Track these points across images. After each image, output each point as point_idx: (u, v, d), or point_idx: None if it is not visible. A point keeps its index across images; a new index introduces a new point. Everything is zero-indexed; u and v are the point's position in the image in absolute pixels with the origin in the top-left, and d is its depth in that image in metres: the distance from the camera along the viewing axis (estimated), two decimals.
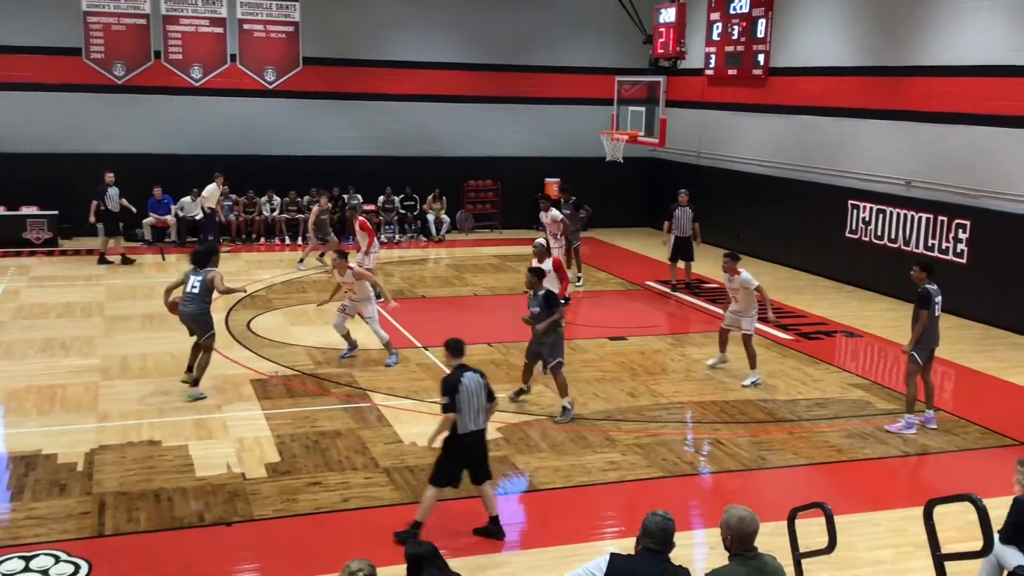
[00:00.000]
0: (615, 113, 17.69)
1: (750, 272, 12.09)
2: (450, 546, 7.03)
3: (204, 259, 10.99)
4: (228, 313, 14.66)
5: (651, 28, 17.30)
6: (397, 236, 21.92)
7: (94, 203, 18.13)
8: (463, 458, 7.63)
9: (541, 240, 14.08)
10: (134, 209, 19.09)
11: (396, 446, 9.56)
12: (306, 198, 21.40)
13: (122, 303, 15.32)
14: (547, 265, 12.67)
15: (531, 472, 9.04)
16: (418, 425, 10.13)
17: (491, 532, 7.74)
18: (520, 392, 11.03)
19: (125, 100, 20.89)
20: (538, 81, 23.24)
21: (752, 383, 11.72)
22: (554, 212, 16.27)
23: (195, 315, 10.84)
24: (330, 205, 19.44)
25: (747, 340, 11.89)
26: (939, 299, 10.27)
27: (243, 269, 18.28)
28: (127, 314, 14.59)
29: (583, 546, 7.52)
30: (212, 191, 19.82)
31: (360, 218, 16.16)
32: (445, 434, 7.58)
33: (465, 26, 22.72)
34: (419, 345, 13.22)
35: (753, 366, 11.87)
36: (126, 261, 18.43)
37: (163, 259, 18.90)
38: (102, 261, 18.30)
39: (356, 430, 9.94)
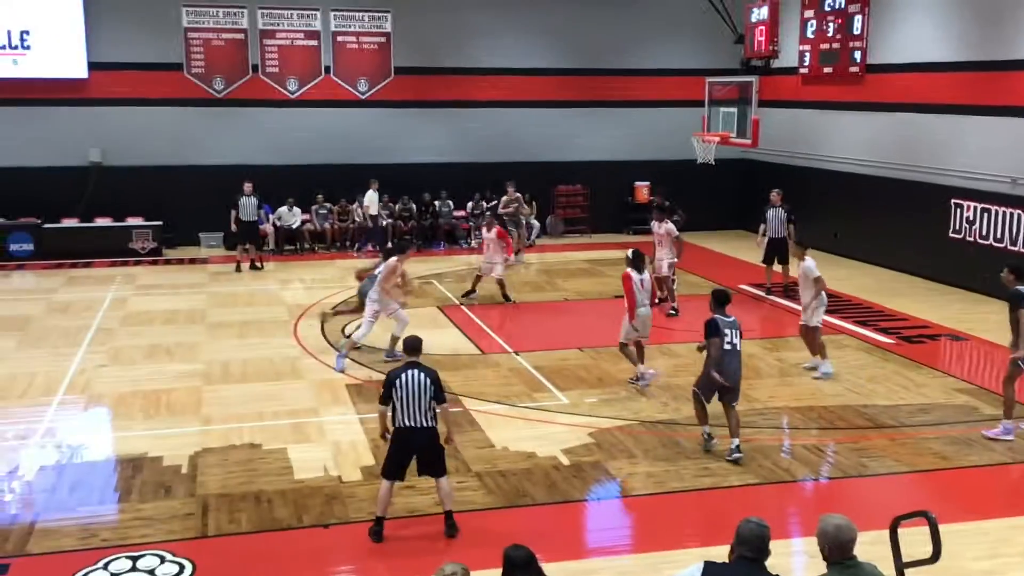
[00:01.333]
0: (706, 115, 17.48)
1: (816, 264, 12.16)
2: (542, 549, 7.03)
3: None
4: (323, 319, 14.95)
5: (743, 27, 17.05)
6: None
7: (232, 212, 18.82)
8: (403, 452, 7.75)
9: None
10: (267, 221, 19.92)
11: (488, 450, 9.62)
12: (398, 205, 21.73)
13: (223, 310, 15.77)
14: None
15: (623, 478, 8.98)
16: (509, 430, 10.19)
17: (454, 525, 7.82)
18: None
19: (224, 113, 21.55)
20: (627, 84, 23.13)
21: (819, 371, 11.92)
22: (669, 226, 15.42)
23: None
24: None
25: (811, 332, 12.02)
26: None
27: (338, 276, 18.62)
28: (228, 321, 15.02)
29: (676, 553, 7.44)
30: (372, 197, 20.79)
31: (497, 227, 16.28)
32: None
33: (552, 31, 22.75)
34: (510, 350, 13.27)
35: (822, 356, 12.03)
36: (254, 267, 19.03)
37: (261, 268, 19.37)
38: (238, 269, 18.96)
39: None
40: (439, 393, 7.76)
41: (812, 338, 12.15)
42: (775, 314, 15.68)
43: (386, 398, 7.77)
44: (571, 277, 18.56)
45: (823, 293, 12.04)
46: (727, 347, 9.31)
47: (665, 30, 23.10)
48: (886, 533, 6.20)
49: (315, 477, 8.95)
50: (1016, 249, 15.66)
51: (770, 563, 4.71)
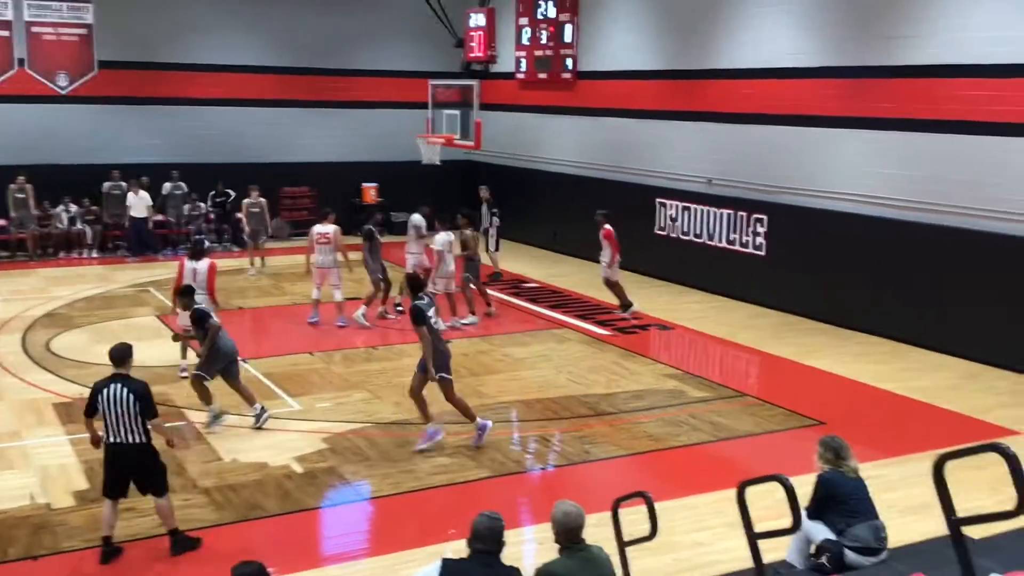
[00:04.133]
0: (430, 117, 17.73)
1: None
2: (278, 562, 6.85)
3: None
4: (25, 333, 13.74)
5: (463, 32, 17.46)
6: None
7: None
8: (115, 469, 7.41)
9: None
10: None
11: (215, 464, 9.22)
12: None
13: None
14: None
15: (359, 481, 8.92)
16: (238, 441, 9.83)
17: (177, 544, 7.47)
18: None
19: None
20: (351, 84, 23.00)
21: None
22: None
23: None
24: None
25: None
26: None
27: (40, 286, 17.17)
28: None
29: (416, 551, 7.49)
30: (133, 200, 19.64)
31: (606, 227, 15.10)
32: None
33: (271, 29, 22.20)
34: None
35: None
36: None
37: None
38: None
39: (172, 450, 9.48)
40: (147, 408, 7.28)
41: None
42: (501, 310, 16.15)
43: (90, 409, 7.35)
44: (299, 280, 18.14)
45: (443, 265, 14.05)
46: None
47: (388, 32, 23.18)
48: (608, 514, 6.57)
49: (20, 506, 8.19)
50: (714, 244, 17.12)
51: (505, 553, 4.85)
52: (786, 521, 5.36)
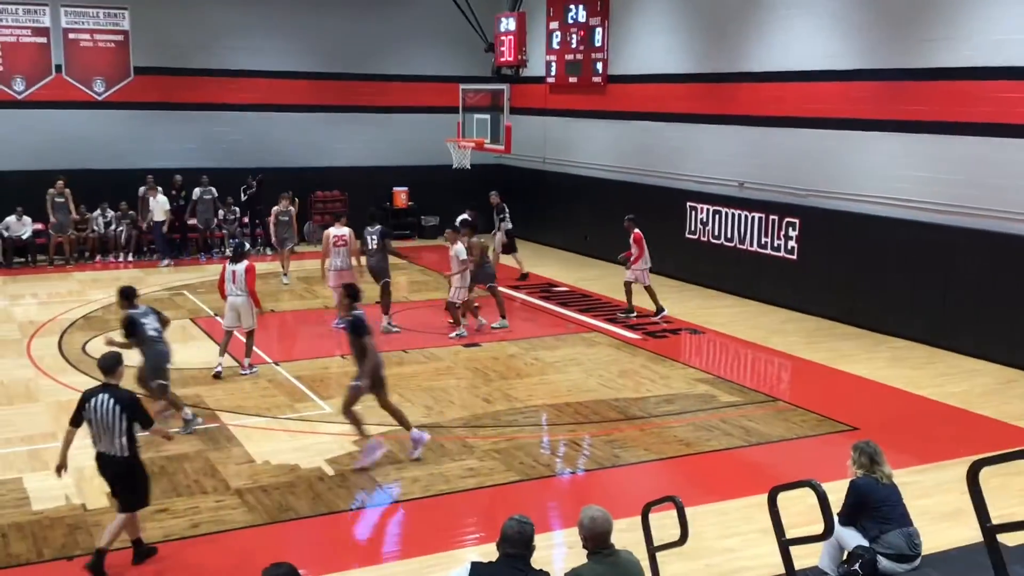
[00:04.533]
0: (460, 121, 17.78)
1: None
2: (309, 564, 6.90)
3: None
4: (61, 336, 13.94)
5: (493, 37, 17.51)
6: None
7: None
8: (103, 476, 7.41)
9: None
10: None
11: (248, 466, 9.30)
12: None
13: None
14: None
15: (390, 484, 8.95)
16: (270, 443, 9.90)
17: (139, 555, 7.40)
18: None
19: None
20: (383, 89, 23.12)
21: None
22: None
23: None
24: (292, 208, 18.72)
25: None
26: None
27: (76, 289, 17.40)
28: None
29: (444, 555, 7.51)
30: (158, 202, 19.75)
31: (636, 231, 15.27)
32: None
33: (304, 35, 22.38)
34: (270, 360, 12.91)
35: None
36: None
37: None
38: None
39: (204, 452, 9.62)
40: (136, 418, 7.15)
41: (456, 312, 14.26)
42: (530, 313, 16.16)
43: (76, 419, 7.21)
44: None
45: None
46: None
47: (418, 37, 23.28)
48: (638, 519, 6.56)
49: (56, 507, 8.31)
50: (745, 248, 17.03)
51: (534, 557, 4.85)
52: (818, 527, 5.33)
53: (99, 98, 20.93)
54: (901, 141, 14.37)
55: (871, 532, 6.39)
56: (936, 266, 13.81)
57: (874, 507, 6.43)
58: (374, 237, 14.64)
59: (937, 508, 8.36)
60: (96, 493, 8.58)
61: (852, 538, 6.44)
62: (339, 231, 14.67)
